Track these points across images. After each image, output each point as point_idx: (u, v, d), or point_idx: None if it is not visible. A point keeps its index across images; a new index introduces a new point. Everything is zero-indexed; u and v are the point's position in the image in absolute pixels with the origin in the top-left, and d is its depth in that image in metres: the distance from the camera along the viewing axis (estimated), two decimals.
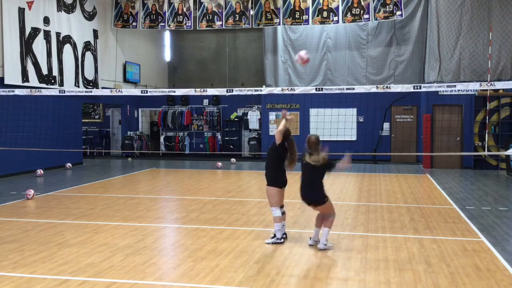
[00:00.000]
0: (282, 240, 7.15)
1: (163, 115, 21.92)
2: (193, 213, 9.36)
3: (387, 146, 19.51)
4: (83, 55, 17.72)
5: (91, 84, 18.08)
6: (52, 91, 13.47)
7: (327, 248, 6.78)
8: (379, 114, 19.38)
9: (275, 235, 7.19)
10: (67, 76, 16.88)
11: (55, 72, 16.34)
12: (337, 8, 17.43)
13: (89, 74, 18.11)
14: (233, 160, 19.24)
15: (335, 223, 8.62)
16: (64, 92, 12.70)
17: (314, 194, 6.90)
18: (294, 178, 7.84)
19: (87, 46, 17.97)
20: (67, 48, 16.97)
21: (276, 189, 7.18)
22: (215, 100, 21.71)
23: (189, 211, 9.62)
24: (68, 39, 16.96)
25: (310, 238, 7.10)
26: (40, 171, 15.14)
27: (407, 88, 10.47)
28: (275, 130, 7.28)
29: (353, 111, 19.67)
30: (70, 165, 17.40)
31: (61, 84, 16.53)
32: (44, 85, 15.57)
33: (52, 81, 16.18)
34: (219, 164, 17.99)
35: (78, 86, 17.39)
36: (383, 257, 6.50)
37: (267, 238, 7.28)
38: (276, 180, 7.19)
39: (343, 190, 12.44)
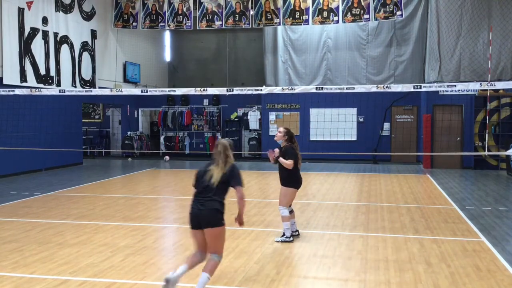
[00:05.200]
0: (291, 239, 7.25)
1: (163, 115, 21.92)
2: None
3: (387, 146, 19.50)
4: (80, 55, 17.69)
5: (88, 84, 18.06)
6: (52, 91, 13.47)
7: None
8: (379, 114, 19.38)
9: (284, 234, 7.29)
10: (64, 77, 16.86)
11: (53, 72, 16.33)
12: (337, 8, 17.42)
13: (86, 75, 18.08)
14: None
15: (334, 223, 8.65)
16: (65, 92, 12.70)
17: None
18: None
19: (84, 46, 17.95)
20: (64, 48, 16.96)
21: (291, 189, 7.32)
22: (215, 100, 21.70)
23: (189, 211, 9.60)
24: (65, 39, 16.95)
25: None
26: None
27: (407, 88, 10.47)
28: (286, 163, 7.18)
29: (353, 111, 19.67)
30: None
31: (58, 84, 16.51)
32: (41, 85, 15.55)
33: (50, 81, 16.16)
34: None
35: (75, 87, 17.37)
36: (383, 257, 6.49)
37: (277, 237, 7.40)
38: (294, 181, 7.33)
39: (343, 190, 12.43)
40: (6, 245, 7.03)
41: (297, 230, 7.57)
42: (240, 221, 5.31)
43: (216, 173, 5.08)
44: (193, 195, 5.21)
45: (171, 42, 23.92)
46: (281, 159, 7.24)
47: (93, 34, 18.47)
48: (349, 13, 17.30)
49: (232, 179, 5.09)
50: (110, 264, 6.13)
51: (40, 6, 15.68)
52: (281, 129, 7.43)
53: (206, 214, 5.00)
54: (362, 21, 17.75)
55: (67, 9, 17.01)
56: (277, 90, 11.97)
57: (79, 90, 16.20)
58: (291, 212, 7.44)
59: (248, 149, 21.08)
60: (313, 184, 13.38)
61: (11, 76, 14.56)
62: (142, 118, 22.92)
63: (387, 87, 10.39)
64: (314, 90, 10.93)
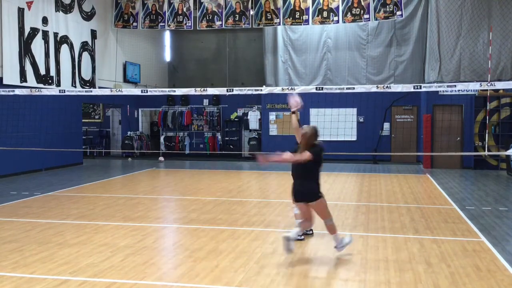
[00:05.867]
0: (302, 237, 7.26)
1: (163, 115, 21.92)
2: (193, 213, 9.36)
3: (387, 146, 19.50)
4: (80, 55, 17.69)
5: (87, 84, 18.06)
6: (52, 91, 13.48)
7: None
8: (379, 114, 19.38)
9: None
10: (64, 77, 16.85)
11: (53, 73, 16.33)
12: (337, 8, 17.42)
13: (86, 75, 18.08)
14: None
15: (335, 223, 8.64)
16: (65, 92, 12.70)
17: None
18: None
19: (84, 46, 17.95)
20: (64, 48, 16.95)
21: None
22: (215, 100, 21.70)
23: (189, 211, 9.62)
24: (65, 39, 16.95)
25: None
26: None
27: (407, 88, 10.47)
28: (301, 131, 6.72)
29: (353, 111, 19.67)
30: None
31: (58, 84, 16.51)
32: (41, 85, 15.55)
33: (50, 81, 16.16)
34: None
35: (75, 87, 17.37)
36: (383, 257, 6.49)
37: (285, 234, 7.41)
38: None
39: (343, 190, 12.42)
40: (6, 245, 7.03)
41: (311, 230, 7.63)
42: (263, 159, 6.17)
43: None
44: (292, 175, 6.43)
45: (171, 42, 23.93)
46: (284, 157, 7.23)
47: (93, 34, 18.48)
48: (349, 13, 17.30)
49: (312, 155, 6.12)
50: (110, 264, 6.14)
51: (40, 6, 15.68)
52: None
53: (305, 192, 6.28)
54: (362, 21, 17.75)
55: (67, 9, 17.02)
56: (277, 90, 11.97)
57: (79, 90, 16.21)
58: None
59: (248, 149, 21.08)
60: None
61: (11, 76, 14.56)
62: (142, 118, 22.92)
63: (387, 87, 10.39)
64: (314, 90, 10.94)
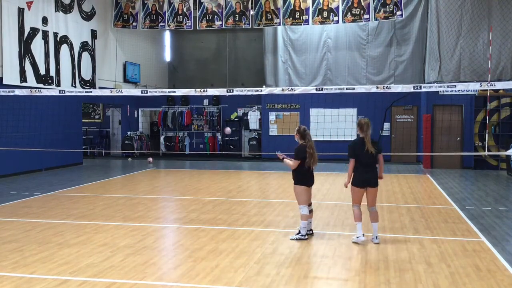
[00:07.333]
0: (306, 237, 7.35)
1: (163, 115, 21.92)
2: (193, 213, 9.36)
3: (387, 146, 19.48)
4: (79, 55, 17.68)
5: (88, 84, 18.05)
6: (52, 91, 13.48)
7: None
8: (379, 114, 19.36)
9: (299, 232, 7.39)
10: (64, 77, 16.84)
11: (53, 73, 16.32)
12: (337, 8, 17.42)
13: (86, 75, 18.08)
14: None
15: (334, 223, 8.66)
16: (65, 92, 12.70)
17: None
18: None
19: (84, 46, 17.94)
20: (64, 48, 16.95)
21: (303, 187, 7.47)
22: (215, 100, 21.70)
23: (189, 211, 9.62)
24: (65, 39, 16.94)
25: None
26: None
27: (407, 88, 10.48)
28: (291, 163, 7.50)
29: (353, 111, 19.65)
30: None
31: (58, 84, 16.50)
32: (41, 85, 15.54)
33: (49, 81, 16.15)
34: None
35: (75, 87, 17.36)
36: (383, 257, 6.49)
37: (292, 235, 7.49)
38: (303, 179, 7.47)
39: (343, 190, 12.41)
40: (6, 245, 7.03)
41: (311, 230, 7.65)
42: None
43: None
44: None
45: (171, 42, 23.93)
46: (284, 161, 7.57)
47: (93, 34, 18.47)
48: (349, 13, 17.30)
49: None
50: (110, 264, 6.14)
51: (40, 6, 15.68)
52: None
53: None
54: (362, 21, 17.75)
55: (67, 9, 17.01)
56: (277, 90, 11.97)
57: (79, 91, 16.20)
58: (310, 211, 7.54)
59: (248, 149, 21.08)
60: (314, 184, 13.35)
61: (11, 76, 14.56)
62: (142, 118, 22.92)
63: (387, 87, 10.39)
64: (314, 91, 10.95)
